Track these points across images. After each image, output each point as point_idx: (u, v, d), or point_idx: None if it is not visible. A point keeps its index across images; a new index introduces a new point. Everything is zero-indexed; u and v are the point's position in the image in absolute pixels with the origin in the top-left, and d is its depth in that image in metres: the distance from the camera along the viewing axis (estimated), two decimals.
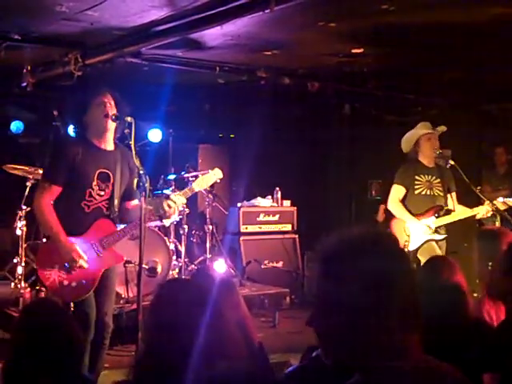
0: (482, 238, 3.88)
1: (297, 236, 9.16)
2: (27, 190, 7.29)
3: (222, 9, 4.99)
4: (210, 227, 8.32)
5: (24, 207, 7.27)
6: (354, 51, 6.62)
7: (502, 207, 6.01)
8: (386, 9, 5.10)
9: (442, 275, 3.15)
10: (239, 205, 9.00)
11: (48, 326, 2.59)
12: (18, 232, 7.27)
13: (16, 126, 8.74)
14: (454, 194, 6.37)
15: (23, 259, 7.21)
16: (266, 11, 4.67)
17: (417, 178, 6.30)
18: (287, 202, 9.28)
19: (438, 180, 6.29)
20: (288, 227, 9.18)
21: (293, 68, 7.53)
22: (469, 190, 6.10)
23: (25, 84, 7.01)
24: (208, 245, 8.24)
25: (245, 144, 9.76)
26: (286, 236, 9.13)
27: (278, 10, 4.66)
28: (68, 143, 4.68)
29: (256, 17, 5.02)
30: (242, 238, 8.77)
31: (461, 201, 6.39)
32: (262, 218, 8.99)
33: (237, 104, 9.30)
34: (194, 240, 8.82)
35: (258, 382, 2.00)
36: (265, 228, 9.02)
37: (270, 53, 6.75)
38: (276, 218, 9.09)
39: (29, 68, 6.90)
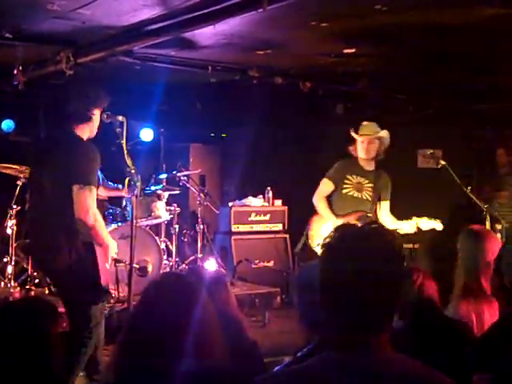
0: (466, 237, 3.86)
1: (288, 236, 9.16)
2: (18, 188, 7.27)
3: (214, 8, 4.98)
4: (201, 226, 8.32)
5: (14, 206, 7.25)
6: (346, 51, 6.62)
7: (423, 227, 5.96)
8: (378, 9, 5.10)
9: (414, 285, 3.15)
10: (230, 204, 9.00)
11: (21, 327, 2.58)
12: (9, 231, 7.25)
13: (7, 124, 8.70)
14: (386, 203, 6.21)
15: (13, 258, 7.19)
16: (259, 10, 4.67)
17: (348, 176, 6.12)
18: (278, 202, 9.29)
19: (371, 185, 6.12)
20: (279, 227, 9.18)
21: (285, 68, 7.53)
22: (460, 190, 6.12)
23: (16, 83, 6.98)
24: (199, 244, 8.24)
25: (236, 143, 9.77)
26: (277, 235, 9.14)
27: (270, 9, 4.65)
28: (92, 144, 4.50)
29: (249, 16, 5.01)
30: (233, 238, 8.76)
31: (457, 202, 6.34)
32: (253, 217, 8.99)
33: (229, 103, 9.30)
34: (185, 239, 8.82)
35: (245, 380, 2.01)
36: (256, 227, 9.02)
37: (262, 52, 6.75)
38: (267, 217, 9.09)
39: (20, 66, 6.87)
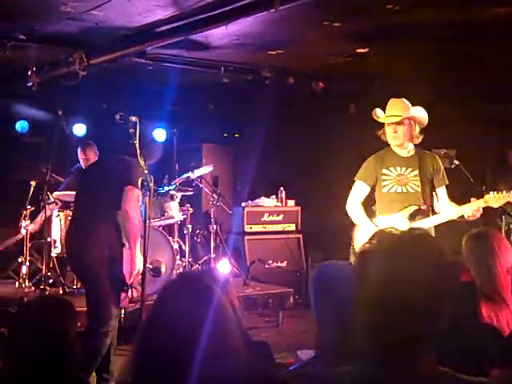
0: (474, 240, 3.77)
1: (301, 236, 9.15)
2: (31, 189, 7.31)
3: (226, 8, 4.99)
4: (215, 227, 8.32)
5: (29, 207, 7.28)
6: (358, 51, 6.61)
7: (495, 203, 4.98)
8: (390, 8, 5.10)
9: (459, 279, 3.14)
10: (243, 204, 9.00)
11: (41, 323, 2.60)
12: (23, 231, 7.29)
13: (21, 125, 8.76)
14: (442, 190, 5.15)
15: (27, 259, 7.23)
16: (271, 11, 4.68)
17: (384, 171, 5.09)
18: (291, 202, 9.28)
19: (416, 173, 5.04)
20: (292, 227, 9.17)
21: (297, 68, 7.53)
22: (474, 190, 6.05)
23: (30, 84, 7.02)
24: (212, 244, 8.24)
25: (249, 144, 9.75)
26: (290, 236, 9.13)
27: (282, 9, 4.67)
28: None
29: (261, 16, 5.03)
30: (246, 238, 8.77)
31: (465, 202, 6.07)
32: (266, 217, 8.98)
33: (241, 103, 9.31)
34: (198, 240, 8.82)
35: (259, 380, 2.00)
36: (269, 228, 9.02)
37: (274, 52, 6.75)
38: (280, 217, 9.09)
39: (34, 68, 6.91)
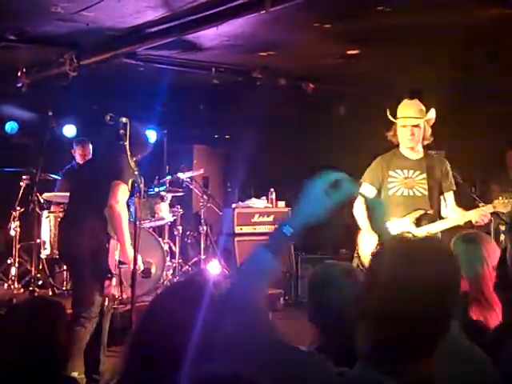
0: (462, 243, 3.73)
1: None
2: (21, 190, 7.27)
3: (217, 10, 5.00)
4: (205, 228, 8.31)
5: (18, 208, 7.25)
6: (349, 52, 6.63)
7: (503, 209, 4.82)
8: (381, 10, 5.11)
9: None
10: (234, 206, 9.00)
11: (30, 325, 2.59)
12: (12, 233, 7.25)
13: (10, 126, 8.72)
14: (450, 195, 5.04)
15: (17, 260, 7.20)
16: (262, 12, 4.68)
17: (391, 173, 4.95)
18: (282, 203, 9.28)
19: (423, 176, 4.93)
20: None
21: (288, 69, 7.53)
22: (463, 191, 6.06)
23: (20, 84, 6.99)
24: (202, 246, 8.23)
25: (240, 145, 9.75)
26: None
27: (273, 11, 4.67)
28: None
29: (251, 18, 5.04)
30: (236, 239, 8.75)
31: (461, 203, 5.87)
32: (256, 218, 8.97)
33: (232, 105, 9.31)
34: (189, 241, 8.81)
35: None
36: (259, 229, 9.00)
37: (265, 54, 6.76)
38: (271, 218, 9.08)
39: (24, 68, 6.89)
